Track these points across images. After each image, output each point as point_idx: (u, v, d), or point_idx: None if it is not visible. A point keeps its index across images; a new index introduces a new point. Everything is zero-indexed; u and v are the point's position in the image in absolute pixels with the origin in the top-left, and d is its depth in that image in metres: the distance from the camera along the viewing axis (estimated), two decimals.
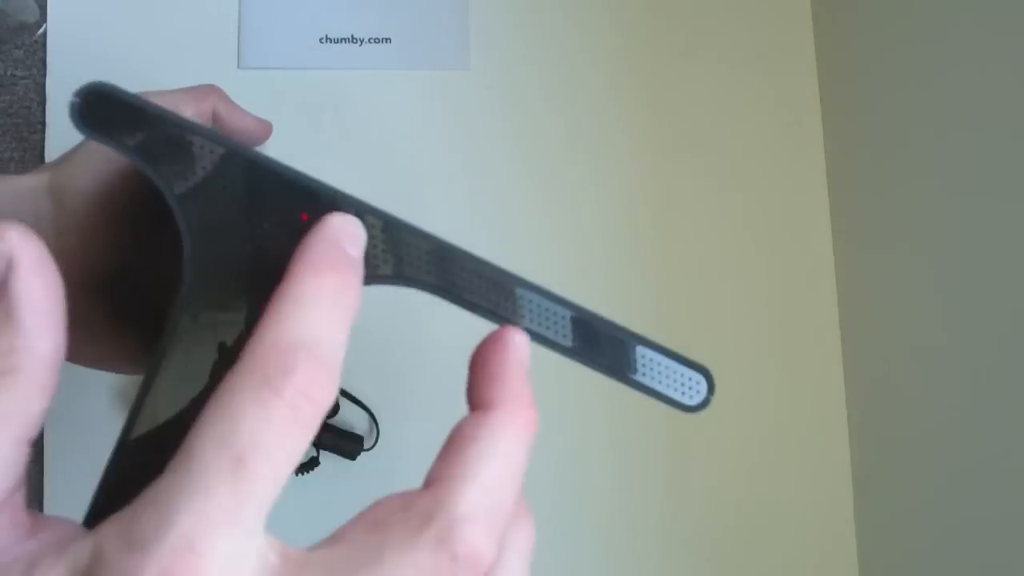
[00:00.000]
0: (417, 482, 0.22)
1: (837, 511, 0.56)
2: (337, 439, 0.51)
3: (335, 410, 0.53)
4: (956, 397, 0.47)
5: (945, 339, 0.47)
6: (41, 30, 0.54)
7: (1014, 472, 0.42)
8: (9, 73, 0.54)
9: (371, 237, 0.24)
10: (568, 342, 0.26)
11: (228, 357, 0.23)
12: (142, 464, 0.21)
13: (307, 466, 0.52)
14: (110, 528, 0.19)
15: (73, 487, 0.51)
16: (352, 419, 0.53)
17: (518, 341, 0.24)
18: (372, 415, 0.53)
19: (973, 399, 0.45)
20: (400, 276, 0.25)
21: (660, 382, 0.28)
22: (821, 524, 0.56)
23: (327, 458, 0.52)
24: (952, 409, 0.47)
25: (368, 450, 0.53)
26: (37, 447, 0.51)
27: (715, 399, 0.27)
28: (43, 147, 0.53)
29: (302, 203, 0.24)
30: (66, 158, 0.33)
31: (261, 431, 0.19)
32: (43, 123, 0.54)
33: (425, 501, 0.21)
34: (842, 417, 0.57)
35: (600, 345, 0.26)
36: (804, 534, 0.56)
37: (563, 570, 0.54)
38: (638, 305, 0.56)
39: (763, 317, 0.57)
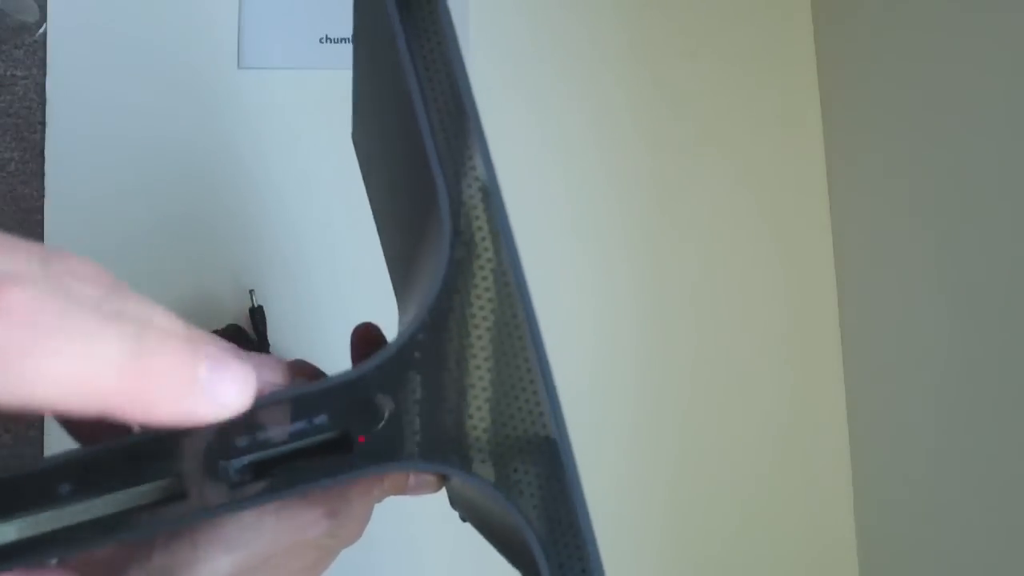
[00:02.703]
0: None
1: (837, 511, 0.56)
2: None
3: None
4: (956, 397, 0.47)
5: (945, 339, 0.47)
6: (41, 30, 0.54)
7: (1014, 472, 0.42)
8: (9, 73, 0.54)
9: None
10: None
11: None
12: None
13: None
14: None
15: None
16: None
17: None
18: None
19: (973, 399, 0.45)
20: None
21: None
22: (821, 524, 0.56)
23: None
24: (952, 409, 0.47)
25: None
26: (37, 444, 0.51)
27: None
28: (43, 147, 0.53)
29: None
30: None
31: None
32: (43, 123, 0.54)
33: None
34: (842, 417, 0.57)
35: None
36: (804, 534, 0.56)
37: None
38: (637, 303, 0.56)
39: (763, 317, 0.57)
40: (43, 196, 0.53)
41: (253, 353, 0.21)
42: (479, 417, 0.21)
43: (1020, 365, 0.42)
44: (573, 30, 0.58)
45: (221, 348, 0.19)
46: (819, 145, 0.59)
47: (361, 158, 0.38)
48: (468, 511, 0.31)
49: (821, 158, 0.59)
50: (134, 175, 0.54)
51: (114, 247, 0.53)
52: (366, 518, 0.29)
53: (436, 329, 0.21)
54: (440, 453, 0.21)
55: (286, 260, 0.54)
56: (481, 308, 0.21)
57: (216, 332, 0.50)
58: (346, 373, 0.21)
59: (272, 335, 0.52)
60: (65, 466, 0.20)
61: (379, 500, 0.29)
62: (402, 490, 0.30)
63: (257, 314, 0.51)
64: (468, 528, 0.55)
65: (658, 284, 0.57)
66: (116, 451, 0.20)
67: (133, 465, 0.20)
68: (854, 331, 0.56)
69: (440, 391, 0.21)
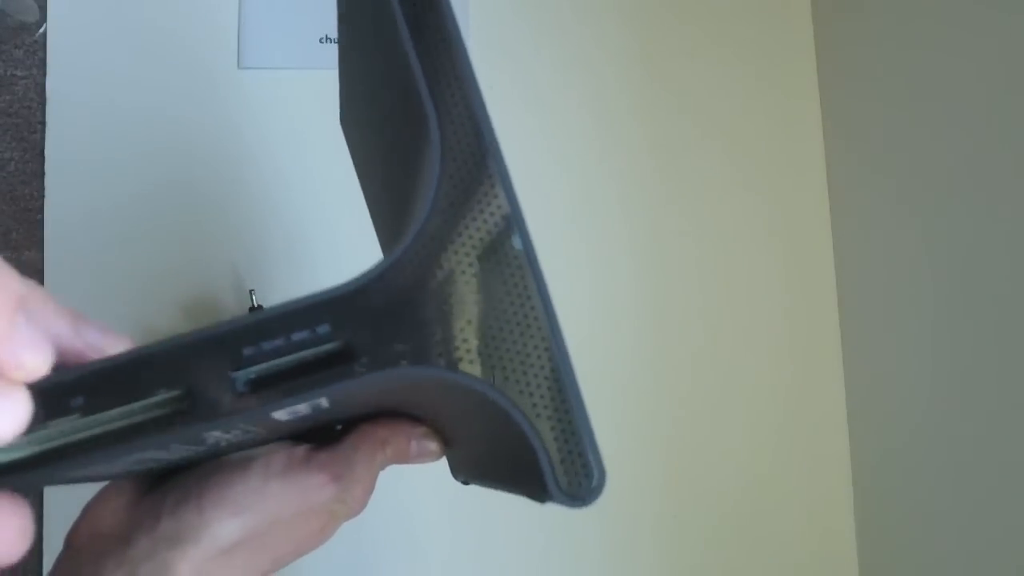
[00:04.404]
0: None
1: (837, 511, 0.56)
2: None
3: None
4: (956, 397, 0.47)
5: (945, 339, 0.47)
6: (41, 30, 0.54)
7: (1013, 472, 0.42)
8: (9, 73, 0.54)
9: None
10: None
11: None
12: None
13: None
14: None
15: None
16: None
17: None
18: None
19: (973, 399, 0.45)
20: None
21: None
22: (821, 524, 0.56)
23: None
24: (952, 409, 0.47)
25: None
26: None
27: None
28: (43, 147, 0.53)
29: None
30: None
31: None
32: (43, 123, 0.54)
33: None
34: (842, 417, 0.57)
35: None
36: (804, 534, 0.56)
37: (562, 568, 0.54)
38: (638, 300, 0.56)
39: (763, 317, 0.57)
40: (43, 196, 0.53)
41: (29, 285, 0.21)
42: (475, 324, 0.22)
43: (1020, 364, 0.42)
44: (573, 29, 0.58)
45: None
46: (819, 144, 0.59)
47: (349, 139, 0.39)
48: (466, 459, 0.31)
49: (821, 157, 0.59)
50: (134, 175, 0.54)
51: (114, 247, 0.53)
52: (371, 485, 0.29)
53: (432, 239, 0.22)
54: (435, 358, 0.21)
55: (286, 260, 0.54)
56: (473, 219, 0.22)
57: None
58: (347, 283, 0.21)
59: None
60: (78, 379, 0.21)
61: (383, 467, 0.30)
62: (405, 457, 0.30)
63: None
64: (467, 524, 0.55)
65: (658, 282, 0.57)
66: (127, 363, 0.21)
67: (144, 377, 0.21)
68: (854, 330, 0.56)
69: (434, 301, 0.21)
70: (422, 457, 0.30)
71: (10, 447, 0.20)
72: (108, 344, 0.22)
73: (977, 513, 0.45)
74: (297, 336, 0.21)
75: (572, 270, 0.56)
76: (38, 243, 0.52)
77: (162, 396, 0.21)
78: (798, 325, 0.57)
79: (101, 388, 0.21)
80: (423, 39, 0.23)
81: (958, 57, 0.46)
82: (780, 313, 0.57)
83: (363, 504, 0.29)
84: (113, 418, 0.21)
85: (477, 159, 0.22)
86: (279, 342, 0.21)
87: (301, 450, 0.28)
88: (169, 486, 0.27)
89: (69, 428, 0.21)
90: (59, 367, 0.21)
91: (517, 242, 0.22)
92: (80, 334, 0.22)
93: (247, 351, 0.21)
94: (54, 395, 0.20)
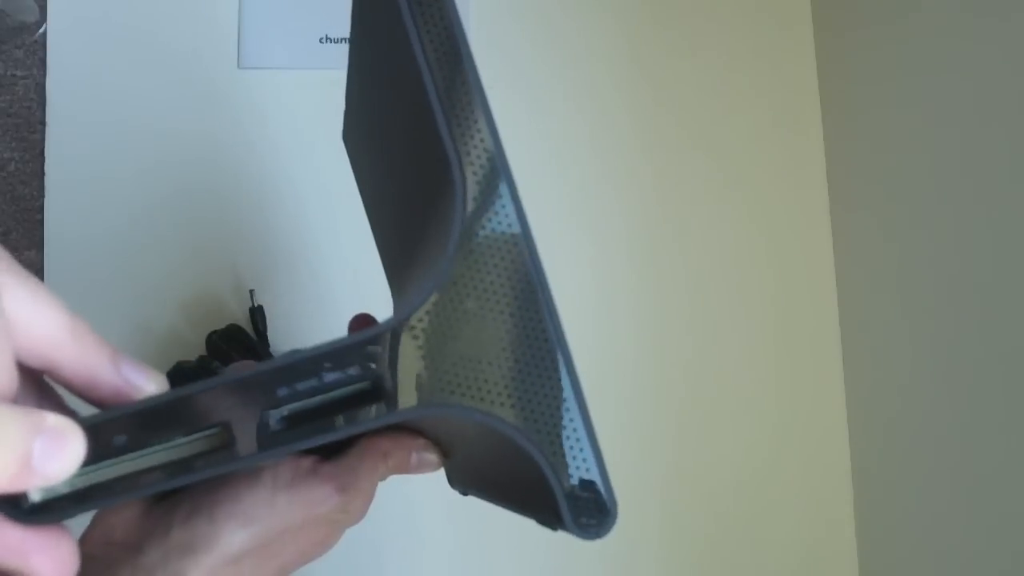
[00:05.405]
0: None
1: (837, 511, 0.56)
2: None
3: None
4: (956, 397, 0.47)
5: (945, 339, 0.47)
6: (41, 30, 0.54)
7: (1014, 472, 0.42)
8: (9, 73, 0.54)
9: None
10: None
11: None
12: None
13: None
14: None
15: None
16: None
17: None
18: None
19: (973, 399, 0.45)
20: None
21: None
22: (821, 524, 0.56)
23: None
24: (952, 410, 0.47)
25: None
26: None
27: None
28: (43, 147, 0.53)
29: None
30: None
31: None
32: (43, 123, 0.54)
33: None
34: (842, 417, 0.57)
35: None
36: (804, 535, 0.56)
37: (562, 568, 0.54)
38: (636, 304, 0.56)
39: (763, 317, 0.57)
40: (43, 196, 0.53)
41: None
42: (497, 366, 0.23)
43: (1020, 364, 0.42)
44: (572, 31, 0.58)
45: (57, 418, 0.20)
46: (819, 146, 0.59)
47: (353, 156, 0.39)
48: (471, 477, 0.32)
49: (821, 159, 0.59)
50: (134, 175, 0.54)
51: (114, 247, 0.53)
52: (371, 495, 0.30)
53: (453, 286, 0.23)
54: (460, 398, 0.23)
55: (286, 260, 0.54)
56: (495, 264, 0.23)
57: (216, 332, 0.51)
58: (374, 327, 0.23)
59: (272, 335, 0.52)
60: (120, 419, 0.22)
61: (383, 478, 0.31)
62: (405, 468, 0.31)
63: (257, 314, 0.52)
64: (469, 525, 0.55)
65: (656, 285, 0.57)
66: (168, 403, 0.22)
67: (184, 416, 0.22)
68: (854, 331, 0.56)
69: (456, 345, 0.23)
70: (422, 468, 0.31)
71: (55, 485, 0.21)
72: (144, 381, 0.23)
73: (977, 513, 0.45)
74: (329, 377, 0.22)
75: (568, 272, 0.56)
76: (38, 243, 0.52)
77: (201, 434, 0.22)
78: (798, 326, 0.57)
79: (143, 427, 0.22)
80: (448, 91, 0.25)
81: (959, 56, 0.46)
82: (780, 314, 0.57)
83: (363, 513, 0.30)
84: (153, 454, 0.22)
85: (498, 208, 0.24)
86: (312, 382, 0.22)
87: (307, 462, 0.29)
88: (179, 497, 0.28)
89: (110, 463, 0.22)
90: (102, 406, 0.23)
91: (538, 293, 0.23)
92: (119, 370, 0.23)
93: (281, 391, 0.22)
94: (99, 434, 0.21)
